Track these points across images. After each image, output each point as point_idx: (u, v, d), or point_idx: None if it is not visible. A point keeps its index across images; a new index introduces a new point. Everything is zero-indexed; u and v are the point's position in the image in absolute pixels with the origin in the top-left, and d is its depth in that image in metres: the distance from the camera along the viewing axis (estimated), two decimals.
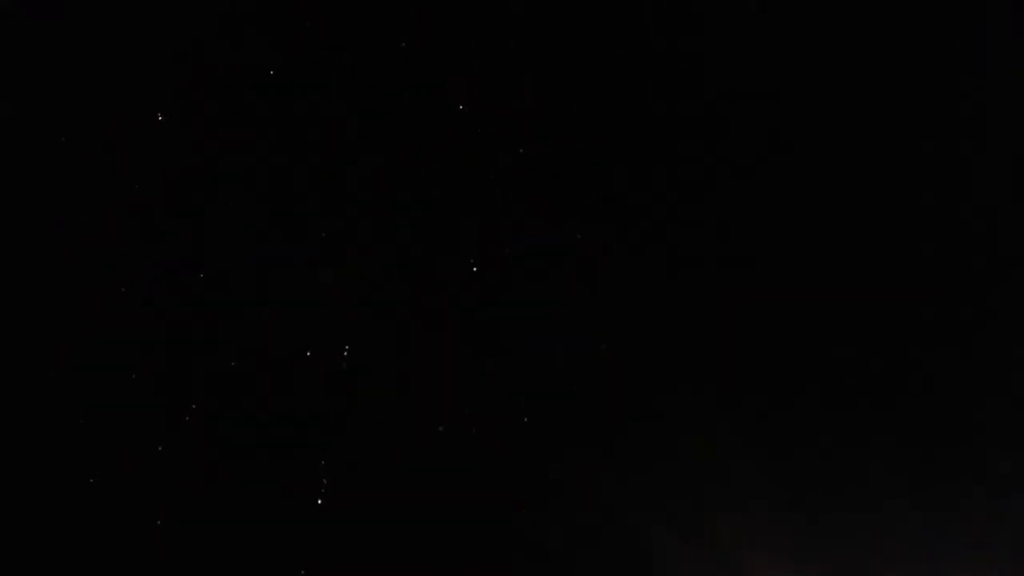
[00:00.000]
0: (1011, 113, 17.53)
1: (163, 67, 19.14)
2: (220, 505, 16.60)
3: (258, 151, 18.52)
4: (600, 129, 19.05)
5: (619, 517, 16.86)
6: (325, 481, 17.01)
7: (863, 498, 16.72)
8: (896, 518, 16.40)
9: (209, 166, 18.45)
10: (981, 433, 16.66)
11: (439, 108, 19.39)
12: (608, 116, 19.00)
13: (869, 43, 18.58)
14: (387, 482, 16.95)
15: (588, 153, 19.04)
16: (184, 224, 18.18)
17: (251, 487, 16.92)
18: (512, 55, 19.37)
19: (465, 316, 18.21)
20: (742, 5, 18.96)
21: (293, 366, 17.82)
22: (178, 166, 18.58)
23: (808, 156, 18.52)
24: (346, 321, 18.33)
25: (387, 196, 18.98)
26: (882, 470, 16.73)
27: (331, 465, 17.14)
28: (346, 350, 18.01)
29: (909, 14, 17.82)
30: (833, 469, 16.91)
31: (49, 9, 18.59)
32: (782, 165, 18.62)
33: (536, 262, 18.58)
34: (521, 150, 18.92)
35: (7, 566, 15.20)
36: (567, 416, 17.71)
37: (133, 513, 16.55)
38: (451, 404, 17.56)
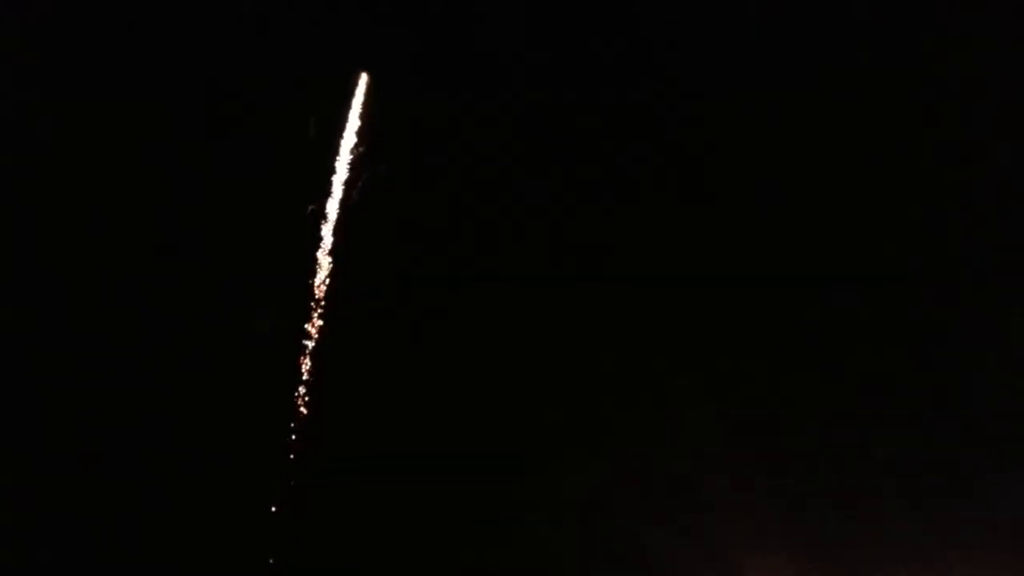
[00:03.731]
0: (1012, 113, 17.47)
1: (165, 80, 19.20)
2: (215, 508, 16.62)
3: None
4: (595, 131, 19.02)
5: (619, 517, 16.80)
6: (326, 482, 16.98)
7: (862, 498, 16.66)
8: (895, 518, 16.34)
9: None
10: (980, 434, 16.59)
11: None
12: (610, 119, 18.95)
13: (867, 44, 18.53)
14: (387, 482, 16.90)
15: (582, 153, 19.01)
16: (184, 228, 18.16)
17: (251, 488, 16.88)
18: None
19: (463, 315, 18.16)
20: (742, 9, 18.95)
21: (287, 367, 17.81)
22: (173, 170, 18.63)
23: (806, 159, 18.47)
24: (343, 324, 18.30)
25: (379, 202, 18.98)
26: (881, 471, 16.66)
27: (330, 466, 17.09)
28: (345, 352, 17.96)
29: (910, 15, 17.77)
30: (832, 469, 16.85)
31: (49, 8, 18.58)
32: (780, 168, 18.57)
33: (536, 265, 18.52)
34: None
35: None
36: (565, 416, 17.66)
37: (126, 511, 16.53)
38: (450, 405, 17.51)
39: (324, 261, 18.23)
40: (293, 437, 17.36)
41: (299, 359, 17.86)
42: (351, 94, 18.85)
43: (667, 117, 19.07)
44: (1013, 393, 16.87)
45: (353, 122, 18.62)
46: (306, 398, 17.62)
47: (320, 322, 18.11)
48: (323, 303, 18.26)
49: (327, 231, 18.23)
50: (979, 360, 17.18)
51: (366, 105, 18.80)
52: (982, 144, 17.67)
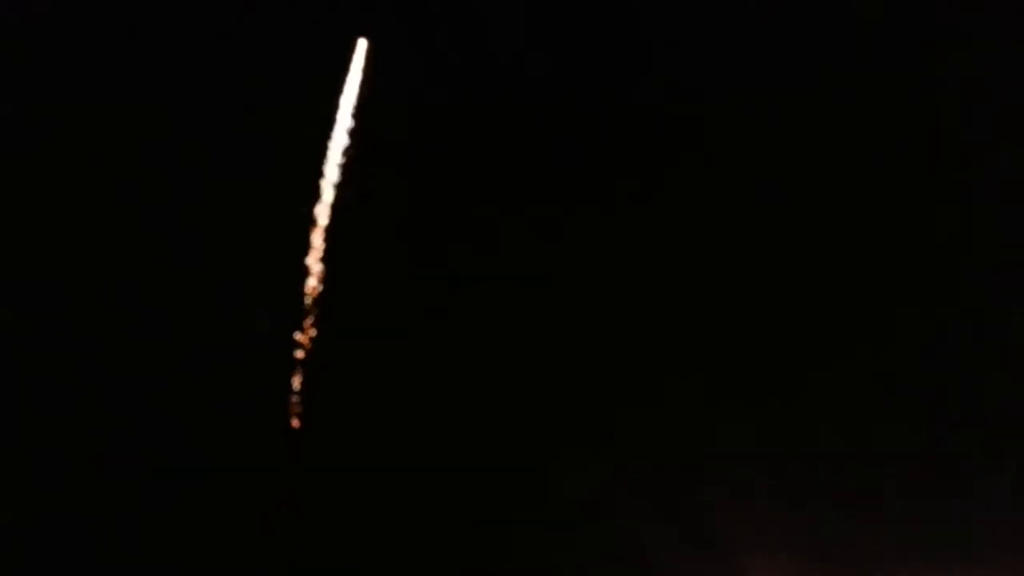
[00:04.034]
0: (1012, 113, 17.48)
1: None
2: (212, 510, 16.63)
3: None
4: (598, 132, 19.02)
5: (619, 517, 16.82)
6: (324, 482, 16.99)
7: (863, 498, 16.67)
8: (895, 518, 16.35)
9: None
10: (981, 434, 16.59)
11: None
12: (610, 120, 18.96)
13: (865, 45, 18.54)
14: (385, 482, 16.91)
15: (581, 153, 19.03)
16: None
17: (248, 490, 16.89)
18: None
19: (462, 314, 18.17)
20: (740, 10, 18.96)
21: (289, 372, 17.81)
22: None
23: (805, 159, 18.49)
24: (342, 324, 18.31)
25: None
26: (882, 471, 16.67)
27: (328, 467, 17.10)
28: (346, 352, 17.97)
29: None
30: (833, 470, 16.86)
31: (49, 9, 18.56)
32: (780, 168, 18.59)
33: (535, 265, 18.54)
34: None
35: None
36: (566, 416, 17.67)
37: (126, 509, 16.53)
38: (449, 405, 17.52)
39: (319, 259, 18.22)
40: (291, 438, 17.40)
41: (297, 359, 17.91)
42: (348, 66, 18.60)
43: (665, 116, 19.09)
44: (1014, 393, 16.92)
45: (348, 112, 18.50)
46: (304, 398, 17.66)
47: (317, 322, 18.14)
48: (319, 303, 18.28)
49: (320, 232, 18.20)
50: (979, 360, 17.20)
51: (364, 81, 18.61)
52: (982, 144, 17.71)
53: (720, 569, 16.02)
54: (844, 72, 18.64)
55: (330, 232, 18.27)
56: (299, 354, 17.59)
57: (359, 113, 18.42)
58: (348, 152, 18.33)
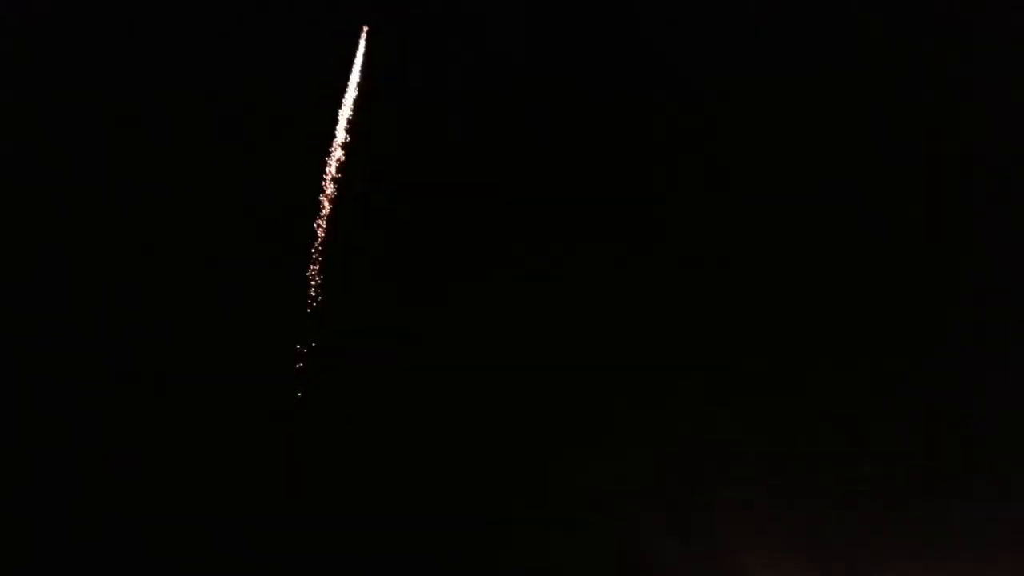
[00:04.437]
0: (1012, 113, 17.46)
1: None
2: (216, 510, 16.60)
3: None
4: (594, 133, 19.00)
5: (618, 517, 16.81)
6: (326, 479, 16.98)
7: (863, 498, 16.67)
8: (895, 518, 16.35)
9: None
10: (981, 434, 16.59)
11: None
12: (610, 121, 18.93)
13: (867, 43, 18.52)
14: (385, 482, 16.89)
15: (580, 156, 19.01)
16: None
17: (246, 490, 16.87)
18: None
19: (462, 314, 18.17)
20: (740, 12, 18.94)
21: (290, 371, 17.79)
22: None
23: (806, 159, 18.48)
24: (341, 324, 18.30)
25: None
26: (882, 472, 16.67)
27: (327, 464, 17.08)
28: (346, 351, 17.96)
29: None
30: (833, 470, 16.86)
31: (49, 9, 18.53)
32: (779, 167, 18.59)
33: (535, 264, 18.52)
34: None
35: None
36: (566, 416, 17.66)
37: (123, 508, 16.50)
38: (450, 405, 17.50)
39: (318, 270, 18.16)
40: (289, 439, 17.39)
41: (296, 357, 17.91)
42: (351, 58, 18.44)
43: (665, 114, 19.11)
44: (1014, 393, 16.91)
45: (345, 123, 18.43)
46: (304, 397, 17.65)
47: (318, 318, 18.13)
48: (318, 303, 18.27)
49: (319, 243, 18.14)
50: (979, 360, 17.22)
51: (361, 93, 18.53)
52: (983, 144, 17.71)
53: (720, 569, 16.03)
54: (844, 72, 18.67)
55: (328, 243, 18.29)
56: (300, 361, 17.66)
57: (356, 123, 18.41)
58: (346, 164, 18.31)
